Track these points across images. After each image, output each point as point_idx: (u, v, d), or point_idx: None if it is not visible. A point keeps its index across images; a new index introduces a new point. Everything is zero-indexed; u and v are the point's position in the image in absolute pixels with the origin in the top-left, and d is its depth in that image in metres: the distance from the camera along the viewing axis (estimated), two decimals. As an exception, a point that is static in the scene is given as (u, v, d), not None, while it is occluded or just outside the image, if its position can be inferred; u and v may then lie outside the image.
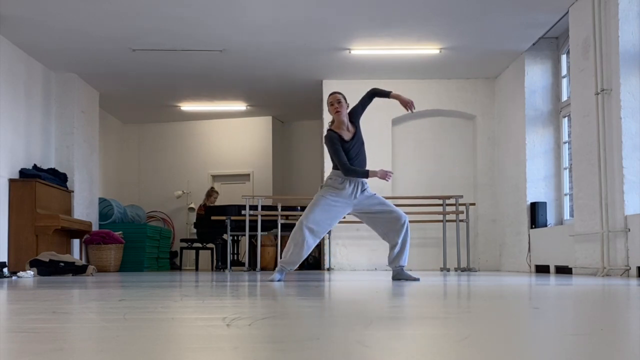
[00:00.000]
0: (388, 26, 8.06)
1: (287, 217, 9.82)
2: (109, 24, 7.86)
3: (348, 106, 5.61)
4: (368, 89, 5.76)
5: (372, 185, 10.07)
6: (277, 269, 5.58)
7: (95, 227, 10.39)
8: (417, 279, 5.51)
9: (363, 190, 5.60)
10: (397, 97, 5.60)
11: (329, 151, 5.52)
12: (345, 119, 5.56)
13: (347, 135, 5.54)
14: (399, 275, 5.55)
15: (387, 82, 10.23)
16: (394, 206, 5.74)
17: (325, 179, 5.59)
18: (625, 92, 6.34)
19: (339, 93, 5.63)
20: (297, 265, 5.59)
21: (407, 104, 5.57)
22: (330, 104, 5.57)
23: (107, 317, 2.24)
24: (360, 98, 5.72)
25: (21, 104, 8.65)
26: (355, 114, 5.64)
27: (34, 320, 2.16)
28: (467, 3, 7.36)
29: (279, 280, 5.37)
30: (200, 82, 10.42)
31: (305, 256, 5.53)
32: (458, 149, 10.45)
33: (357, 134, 5.60)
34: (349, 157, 5.49)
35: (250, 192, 12.32)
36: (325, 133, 5.65)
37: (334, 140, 5.46)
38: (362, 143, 5.67)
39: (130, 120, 13.27)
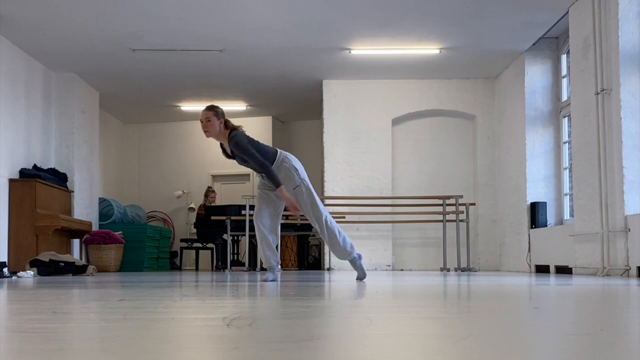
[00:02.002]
0: (388, 26, 8.06)
1: (287, 217, 9.81)
2: (109, 24, 7.87)
3: (223, 122, 5.21)
4: (267, 166, 5.19)
5: (374, 185, 10.14)
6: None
7: (95, 227, 10.39)
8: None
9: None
10: (282, 196, 5.22)
11: (248, 154, 5.17)
12: (219, 135, 5.23)
13: (227, 149, 5.33)
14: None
15: (387, 82, 10.25)
16: (311, 210, 5.39)
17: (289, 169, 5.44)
18: (625, 92, 6.35)
19: (210, 109, 5.21)
20: (273, 259, 5.50)
21: (291, 208, 5.24)
22: (201, 121, 5.26)
23: (107, 317, 2.24)
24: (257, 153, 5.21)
25: (21, 104, 8.65)
26: (239, 148, 5.16)
27: (34, 320, 2.16)
28: (467, 3, 7.36)
29: (272, 280, 5.35)
30: (200, 82, 10.42)
31: (267, 248, 5.47)
32: (458, 149, 10.45)
33: (234, 154, 5.27)
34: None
35: (250, 192, 12.32)
36: (235, 140, 5.16)
37: (246, 139, 5.20)
38: (242, 160, 5.29)
39: (130, 120, 13.28)
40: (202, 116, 5.26)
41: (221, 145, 5.42)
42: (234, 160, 5.46)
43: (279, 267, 5.60)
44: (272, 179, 5.21)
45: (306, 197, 5.34)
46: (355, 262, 5.49)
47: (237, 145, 5.17)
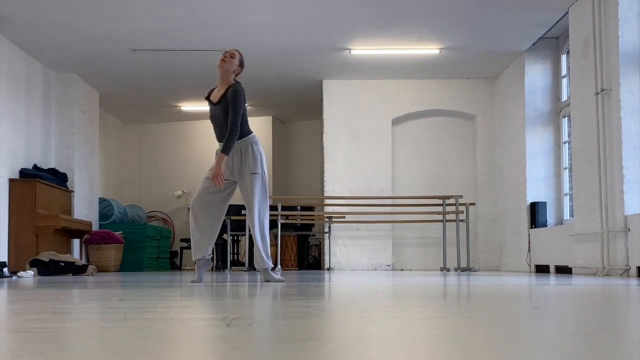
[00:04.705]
0: (388, 26, 8.06)
1: (287, 217, 9.82)
2: (109, 24, 7.86)
3: (238, 71, 5.32)
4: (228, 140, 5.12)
5: (374, 185, 10.13)
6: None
7: (95, 227, 10.39)
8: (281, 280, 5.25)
9: (245, 159, 5.24)
10: (218, 163, 5.12)
11: (236, 106, 5.15)
12: (228, 76, 5.26)
13: (214, 97, 5.33)
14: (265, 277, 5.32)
15: (387, 82, 10.25)
16: (255, 202, 5.23)
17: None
18: (625, 92, 6.35)
19: (240, 54, 5.36)
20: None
21: (214, 177, 5.09)
22: (225, 53, 5.28)
23: (107, 317, 2.24)
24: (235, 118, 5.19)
25: (21, 104, 8.65)
26: (234, 97, 5.19)
27: (34, 320, 2.16)
28: (467, 3, 7.36)
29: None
30: (200, 82, 10.41)
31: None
32: (458, 149, 10.45)
33: (221, 103, 5.25)
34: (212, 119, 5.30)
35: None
36: (236, 88, 5.23)
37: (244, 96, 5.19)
38: (221, 115, 5.24)
39: (130, 120, 13.27)
40: (229, 51, 5.34)
41: (208, 95, 5.42)
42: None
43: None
44: (228, 144, 5.08)
45: (259, 188, 5.23)
46: (267, 272, 5.31)
47: (235, 93, 5.17)
